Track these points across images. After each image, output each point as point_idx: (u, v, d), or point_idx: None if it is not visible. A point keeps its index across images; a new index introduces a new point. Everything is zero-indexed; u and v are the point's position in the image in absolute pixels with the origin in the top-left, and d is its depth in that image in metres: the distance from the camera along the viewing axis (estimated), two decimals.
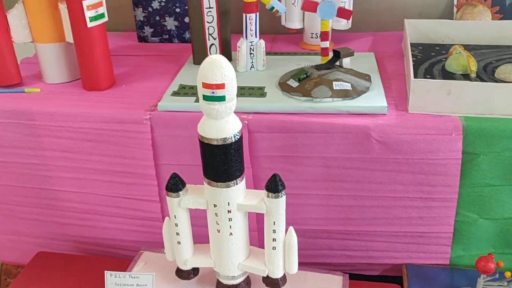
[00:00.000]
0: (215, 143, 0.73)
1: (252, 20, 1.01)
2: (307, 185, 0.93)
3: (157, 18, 1.27)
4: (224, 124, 0.72)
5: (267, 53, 1.12)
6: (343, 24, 1.21)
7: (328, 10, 1.00)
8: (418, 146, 0.86)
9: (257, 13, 1.02)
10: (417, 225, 0.93)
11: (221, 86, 0.69)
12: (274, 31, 1.28)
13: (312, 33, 1.20)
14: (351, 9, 1.20)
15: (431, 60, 1.09)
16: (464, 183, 0.88)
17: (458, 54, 1.03)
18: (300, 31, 1.24)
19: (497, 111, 0.86)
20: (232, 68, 0.70)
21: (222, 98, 0.70)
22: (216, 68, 0.68)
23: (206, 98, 0.70)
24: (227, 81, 0.69)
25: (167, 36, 1.29)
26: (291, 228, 0.79)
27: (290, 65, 1.07)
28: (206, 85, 0.69)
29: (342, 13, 1.02)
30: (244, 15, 1.01)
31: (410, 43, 1.17)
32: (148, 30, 1.29)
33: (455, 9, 1.22)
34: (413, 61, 1.08)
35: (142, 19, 1.28)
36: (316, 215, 0.95)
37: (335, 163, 0.90)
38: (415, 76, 1.00)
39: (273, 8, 1.01)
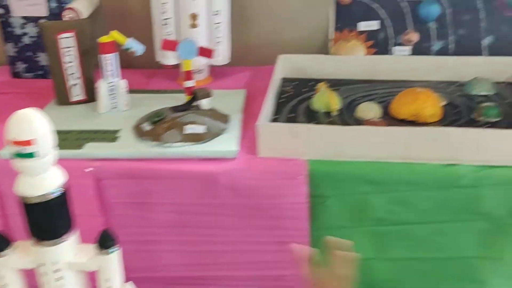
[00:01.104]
0: (32, 201, 0.69)
1: (109, 61, 0.98)
2: (160, 231, 0.90)
3: (29, 53, 1.22)
4: (40, 181, 0.69)
5: (139, 91, 1.09)
6: (221, 59, 1.20)
7: (188, 49, 0.99)
8: (266, 191, 0.85)
9: (116, 53, 0.99)
10: (274, 268, 0.91)
11: (29, 143, 0.65)
12: (153, 66, 1.26)
13: None
14: (230, 42, 1.19)
15: (301, 97, 1.09)
16: (315, 226, 0.87)
17: (322, 91, 1.03)
18: (178, 66, 1.22)
19: (344, 154, 0.86)
20: (46, 121, 0.66)
21: (31, 155, 0.66)
22: (24, 123, 0.65)
23: (16, 155, 0.66)
24: (37, 136, 0.65)
25: (41, 72, 1.24)
26: (127, 284, 0.76)
27: (158, 104, 1.04)
28: (14, 142, 0.65)
29: (203, 52, 1.01)
30: (100, 56, 0.98)
31: (285, 78, 1.18)
32: (21, 66, 1.24)
33: (331, 44, 1.24)
34: (284, 98, 1.08)
35: (13, 54, 1.23)
36: (171, 261, 0.92)
37: (187, 209, 0.88)
38: (280, 114, 0.99)
39: (129, 48, 0.98)
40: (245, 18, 1.27)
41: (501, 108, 0.99)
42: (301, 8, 1.26)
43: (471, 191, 0.84)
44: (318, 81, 1.16)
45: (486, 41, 1.20)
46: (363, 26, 1.22)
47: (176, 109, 0.95)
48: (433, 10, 1.18)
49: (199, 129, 0.90)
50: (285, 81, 1.17)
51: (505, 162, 0.84)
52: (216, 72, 1.23)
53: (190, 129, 0.90)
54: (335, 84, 1.14)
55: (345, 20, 1.22)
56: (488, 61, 1.14)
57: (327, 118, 0.98)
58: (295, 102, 1.06)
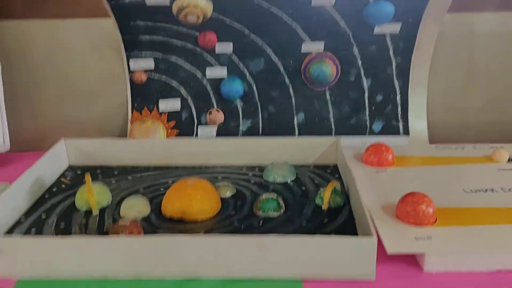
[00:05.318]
0: None
1: None
2: None
3: None
4: None
5: None
6: None
7: None
8: None
9: None
10: None
11: None
12: None
13: None
14: (6, 128, 1.04)
15: (74, 190, 0.93)
16: None
17: (83, 186, 0.87)
18: None
19: (57, 272, 0.69)
20: None
21: None
22: None
23: None
24: None
25: None
26: None
27: None
28: None
29: None
30: None
31: (72, 166, 1.03)
32: None
33: (129, 125, 1.10)
34: (52, 192, 0.92)
35: None
36: None
37: None
38: (29, 215, 0.83)
39: None
40: (29, 98, 1.12)
41: (290, 197, 0.88)
42: (98, 86, 1.13)
43: None
44: (109, 169, 1.02)
45: (298, 118, 1.10)
46: (163, 105, 1.09)
47: None
48: (236, 87, 1.08)
49: None
50: (72, 169, 1.02)
51: (250, 273, 0.69)
52: None
53: None
54: (129, 172, 1.00)
55: (144, 99, 1.09)
56: (292, 142, 1.03)
57: (83, 218, 0.83)
58: (61, 197, 0.91)
